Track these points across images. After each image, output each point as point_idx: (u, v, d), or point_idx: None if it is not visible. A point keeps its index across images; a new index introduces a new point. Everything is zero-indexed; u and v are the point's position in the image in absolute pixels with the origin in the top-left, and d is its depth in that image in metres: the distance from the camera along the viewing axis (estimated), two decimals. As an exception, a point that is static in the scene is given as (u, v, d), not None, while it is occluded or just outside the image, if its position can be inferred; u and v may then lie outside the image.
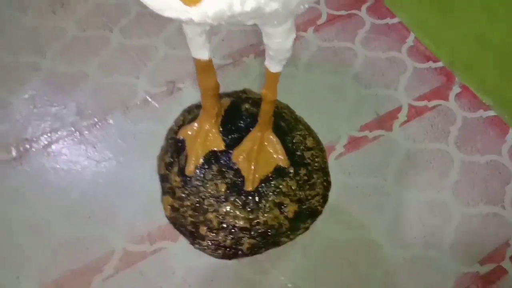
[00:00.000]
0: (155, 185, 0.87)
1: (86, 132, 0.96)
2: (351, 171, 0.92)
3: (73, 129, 0.96)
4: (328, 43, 1.13)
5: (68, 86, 1.02)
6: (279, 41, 0.59)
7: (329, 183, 0.83)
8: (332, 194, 0.87)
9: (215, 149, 0.76)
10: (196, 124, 0.79)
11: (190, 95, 1.00)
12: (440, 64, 1.10)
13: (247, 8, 0.43)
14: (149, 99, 1.00)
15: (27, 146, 0.93)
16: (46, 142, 0.94)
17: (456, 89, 1.06)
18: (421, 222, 0.87)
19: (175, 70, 1.05)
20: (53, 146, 0.93)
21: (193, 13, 0.43)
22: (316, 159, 0.81)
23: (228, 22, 0.46)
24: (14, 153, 0.92)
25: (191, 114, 0.85)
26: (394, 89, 1.05)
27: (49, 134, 0.95)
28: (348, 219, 0.86)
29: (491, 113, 1.03)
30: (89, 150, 0.93)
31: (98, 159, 0.92)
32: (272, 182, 0.75)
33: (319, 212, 0.79)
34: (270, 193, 0.74)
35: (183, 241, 0.81)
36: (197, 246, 0.74)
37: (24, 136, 0.94)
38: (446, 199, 0.90)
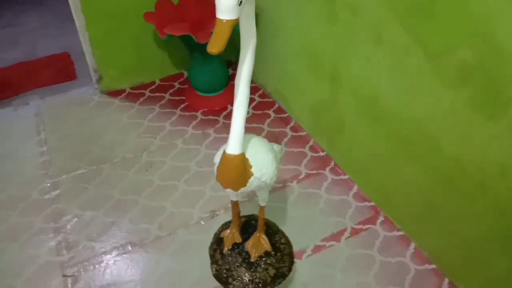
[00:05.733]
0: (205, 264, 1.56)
1: (164, 240, 1.69)
2: (314, 265, 1.59)
3: (156, 237, 1.70)
4: (305, 190, 1.89)
5: (154, 214, 1.79)
6: (263, 196, 1.35)
7: (292, 261, 1.50)
8: (302, 276, 1.54)
9: (237, 241, 1.49)
10: (228, 230, 1.52)
11: (223, 218, 1.75)
12: (372, 203, 1.83)
13: (253, 187, 1.20)
14: (200, 221, 1.75)
15: (133, 246, 1.66)
16: (144, 243, 1.67)
17: (380, 218, 1.77)
18: (353, 294, 1.52)
19: (215, 204, 1.82)
20: (146, 246, 1.66)
21: (237, 194, 1.21)
22: (286, 249, 1.51)
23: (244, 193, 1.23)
24: (129, 247, 1.65)
25: (226, 225, 1.59)
26: (343, 218, 1.77)
27: (144, 240, 1.69)
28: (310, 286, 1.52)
29: (401, 232, 1.72)
30: (167, 249, 1.65)
31: (171, 253, 1.63)
32: (263, 258, 1.45)
33: (287, 275, 1.46)
34: (262, 263, 1.43)
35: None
36: (227, 288, 1.42)
37: (130, 240, 1.69)
38: (370, 282, 1.55)
